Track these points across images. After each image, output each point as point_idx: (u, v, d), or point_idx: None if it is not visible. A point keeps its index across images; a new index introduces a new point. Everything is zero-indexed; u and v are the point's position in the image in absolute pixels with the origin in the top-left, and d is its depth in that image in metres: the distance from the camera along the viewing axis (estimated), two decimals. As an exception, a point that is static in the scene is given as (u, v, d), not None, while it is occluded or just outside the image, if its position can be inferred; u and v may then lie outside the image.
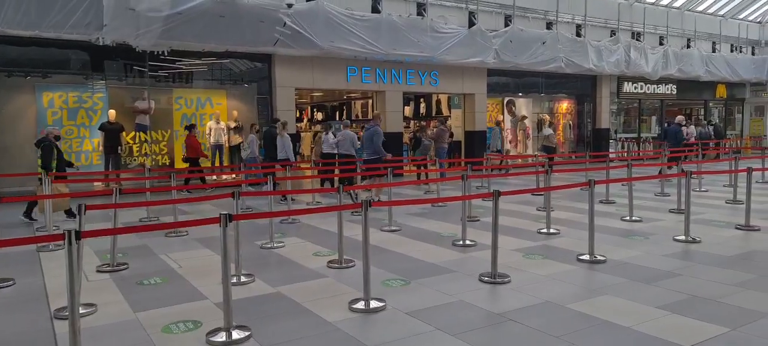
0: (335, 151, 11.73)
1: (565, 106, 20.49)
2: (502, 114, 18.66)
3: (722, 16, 22.83)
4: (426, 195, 11.64)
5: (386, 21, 13.72)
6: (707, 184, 12.52)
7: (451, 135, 16.07)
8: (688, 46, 21.43)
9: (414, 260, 6.16)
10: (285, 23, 12.17)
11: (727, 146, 20.88)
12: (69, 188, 9.34)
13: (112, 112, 12.53)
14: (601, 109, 20.28)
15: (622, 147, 21.00)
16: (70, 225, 8.09)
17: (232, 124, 14.10)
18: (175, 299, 4.85)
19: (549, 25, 17.36)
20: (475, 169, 11.95)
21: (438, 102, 18.25)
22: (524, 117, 18.86)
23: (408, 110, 17.59)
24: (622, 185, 10.81)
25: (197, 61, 13.42)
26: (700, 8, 21.94)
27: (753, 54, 24.02)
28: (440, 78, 16.10)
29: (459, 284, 5.20)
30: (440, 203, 9.88)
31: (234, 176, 13.89)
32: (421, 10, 14.62)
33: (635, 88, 21.12)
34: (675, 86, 22.19)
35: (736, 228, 7.61)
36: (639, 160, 17.05)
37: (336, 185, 9.21)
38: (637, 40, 19.58)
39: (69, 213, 8.96)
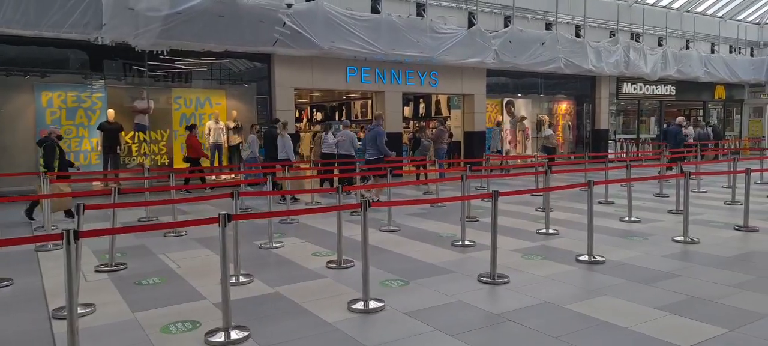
0: (335, 152, 11.73)
1: (564, 106, 20.50)
2: (502, 115, 18.67)
3: (721, 17, 22.86)
4: (425, 195, 11.63)
5: (386, 21, 13.73)
6: (706, 185, 12.53)
7: (451, 135, 16.08)
8: (687, 47, 21.46)
9: (413, 260, 6.16)
10: (284, 23, 12.17)
11: (725, 147, 20.90)
12: (71, 187, 9.33)
13: (110, 112, 12.51)
14: (600, 109, 20.30)
15: (621, 148, 21.01)
16: (68, 225, 8.09)
17: (232, 124, 14.09)
18: (174, 299, 4.85)
19: (548, 26, 17.37)
20: (474, 169, 11.95)
21: (437, 102, 18.25)
22: (523, 118, 18.86)
23: (407, 111, 17.59)
24: (621, 185, 10.84)
25: (196, 61, 13.41)
26: (699, 9, 21.97)
27: (752, 55, 24.05)
28: (440, 78, 16.10)
29: (458, 284, 5.20)
30: (439, 204, 9.88)
31: (233, 176, 13.88)
32: (420, 10, 14.62)
33: (634, 89, 21.15)
34: (674, 87, 22.22)
35: (735, 229, 7.62)
36: (638, 161, 17.05)
37: (335, 185, 9.20)
38: (636, 41, 19.60)
39: (68, 213, 8.94)
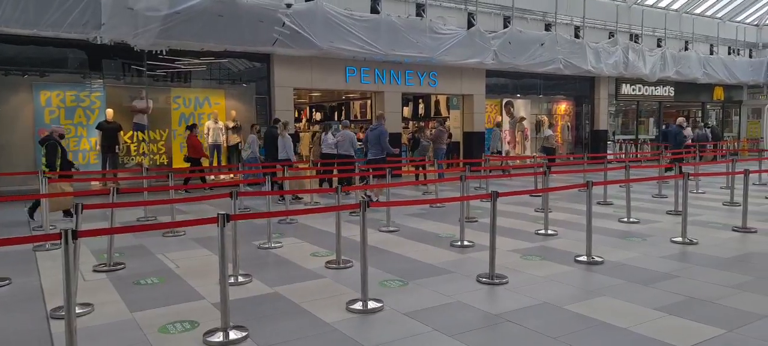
0: (334, 152, 11.73)
1: (563, 107, 20.52)
2: (501, 115, 18.68)
3: (720, 18, 22.88)
4: (424, 196, 11.64)
5: (385, 21, 13.72)
6: (704, 186, 12.54)
7: (450, 136, 16.10)
8: (686, 49, 21.47)
9: (412, 260, 6.16)
10: (284, 23, 12.16)
11: (724, 148, 20.92)
12: (73, 187, 9.32)
13: (109, 112, 12.50)
14: (599, 110, 20.32)
15: (620, 149, 21.03)
16: (66, 224, 8.07)
17: (231, 124, 14.08)
18: (172, 299, 4.84)
19: (548, 27, 17.38)
20: (473, 170, 11.96)
21: (437, 103, 18.26)
22: (523, 118, 18.88)
23: (407, 111, 17.60)
24: (620, 186, 10.85)
25: (196, 61, 13.40)
26: (698, 11, 21.98)
27: (750, 56, 24.07)
28: (439, 79, 16.11)
29: (457, 284, 5.20)
30: (438, 204, 9.88)
31: (232, 175, 13.87)
32: (420, 10, 14.62)
33: (633, 89, 21.17)
34: (673, 88, 22.24)
35: (733, 230, 7.63)
36: (637, 162, 17.07)
37: (334, 185, 9.20)
38: (635, 42, 19.61)
39: (67, 213, 8.93)
